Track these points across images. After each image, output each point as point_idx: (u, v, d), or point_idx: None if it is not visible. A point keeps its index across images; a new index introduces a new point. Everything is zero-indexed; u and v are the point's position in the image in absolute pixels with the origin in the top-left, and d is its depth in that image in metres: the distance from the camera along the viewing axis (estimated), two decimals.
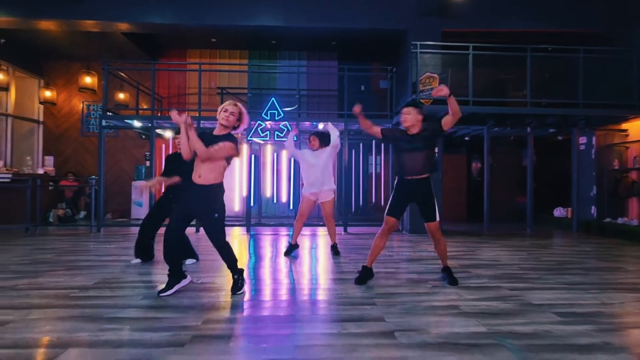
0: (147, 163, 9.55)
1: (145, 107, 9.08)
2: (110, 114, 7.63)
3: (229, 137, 2.87)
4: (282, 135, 6.85)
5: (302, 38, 8.67)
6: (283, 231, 6.94)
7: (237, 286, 2.92)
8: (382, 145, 8.25)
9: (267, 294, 3.03)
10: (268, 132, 6.92)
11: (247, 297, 2.90)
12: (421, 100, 5.97)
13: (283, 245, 5.28)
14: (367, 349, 1.96)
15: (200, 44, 9.42)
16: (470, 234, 6.64)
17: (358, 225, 7.56)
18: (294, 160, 8.86)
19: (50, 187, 8.42)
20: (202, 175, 2.83)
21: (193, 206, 2.89)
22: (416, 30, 6.79)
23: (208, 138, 2.82)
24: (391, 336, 2.13)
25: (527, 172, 7.20)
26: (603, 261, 4.36)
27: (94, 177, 7.64)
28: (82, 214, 8.88)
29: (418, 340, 2.07)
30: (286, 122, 6.84)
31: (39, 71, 9.37)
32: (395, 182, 3.38)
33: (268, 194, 8.63)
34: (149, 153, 9.60)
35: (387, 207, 3.32)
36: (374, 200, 9.32)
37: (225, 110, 2.87)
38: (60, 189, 8.86)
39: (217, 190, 2.86)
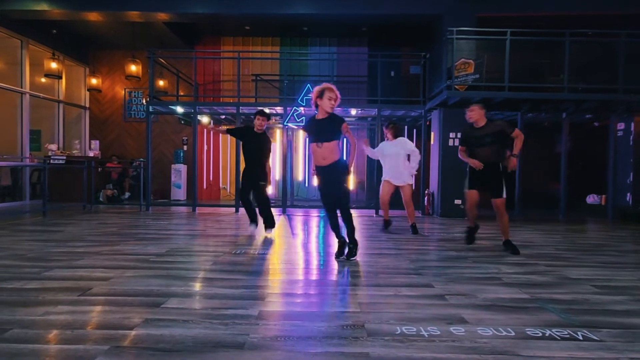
0: (185, 147, 10.06)
1: (182, 94, 9.51)
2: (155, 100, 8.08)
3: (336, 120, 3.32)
4: None
5: (334, 24, 8.79)
6: (314, 212, 7.26)
7: (352, 252, 3.38)
8: (415, 131, 8.37)
9: (322, 264, 3.35)
10: (304, 118, 7.19)
11: (307, 265, 3.23)
12: (456, 87, 6.05)
13: (314, 224, 5.60)
14: (424, 307, 2.25)
15: (234, 32, 9.70)
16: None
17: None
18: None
19: (100, 170, 9.05)
20: (327, 157, 3.30)
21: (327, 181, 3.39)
22: (451, 15, 6.81)
23: (316, 124, 3.32)
24: (442, 298, 2.41)
25: (558, 159, 7.19)
26: None
27: (142, 159, 8.16)
28: (127, 194, 9.51)
29: (467, 302, 2.34)
30: None
31: (85, 60, 9.94)
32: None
33: (300, 177, 8.97)
34: (186, 138, 10.13)
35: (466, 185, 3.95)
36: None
37: (331, 99, 3.23)
38: (107, 171, 9.50)
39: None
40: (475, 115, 3.81)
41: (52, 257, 3.32)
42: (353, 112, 7.83)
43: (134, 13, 7.71)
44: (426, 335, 1.86)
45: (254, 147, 4.53)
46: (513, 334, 1.89)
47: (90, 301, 2.23)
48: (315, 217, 6.64)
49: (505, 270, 3.14)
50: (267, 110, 6.17)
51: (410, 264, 3.32)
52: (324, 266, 3.25)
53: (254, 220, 4.74)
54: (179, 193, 9.54)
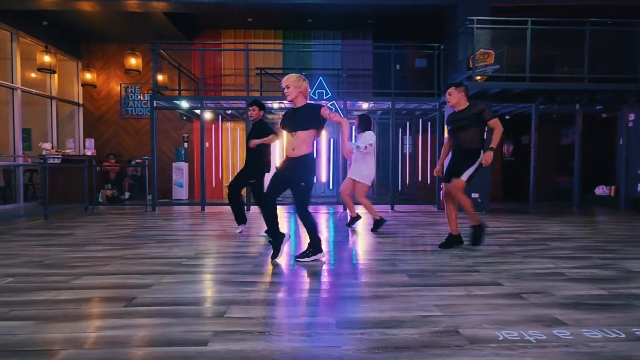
0: (186, 145, 9.71)
1: (183, 88, 9.15)
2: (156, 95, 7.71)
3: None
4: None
5: (339, 16, 8.56)
6: (323, 209, 7.06)
7: (305, 253, 3.12)
8: (429, 124, 8.23)
9: (365, 264, 3.16)
10: None
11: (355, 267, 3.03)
12: (476, 78, 5.92)
13: (328, 222, 5.40)
14: (507, 308, 2.07)
15: (235, 24, 9.37)
16: (518, 212, 6.69)
17: (402, 203, 7.65)
18: (334, 141, 8.93)
19: (98, 169, 8.63)
20: (297, 148, 3.05)
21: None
22: (466, 4, 6.68)
23: (292, 113, 3.16)
24: (520, 297, 2.24)
25: (565, 151, 7.17)
26: None
27: (145, 157, 7.79)
28: (127, 194, 9.12)
29: (549, 301, 2.18)
30: (334, 102, 6.86)
31: (78, 54, 9.46)
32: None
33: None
34: (187, 135, 9.78)
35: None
36: (407, 181, 9.39)
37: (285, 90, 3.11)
38: (105, 171, 9.08)
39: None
40: (454, 99, 3.56)
41: (74, 263, 3.03)
42: (365, 105, 7.63)
43: (132, 2, 7.32)
44: (533, 341, 1.68)
45: (248, 138, 4.34)
46: (623, 335, 1.74)
47: (142, 312, 1.98)
48: (324, 214, 6.44)
49: (563, 265, 3.01)
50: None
51: (460, 260, 3.16)
52: (371, 265, 3.06)
53: (242, 221, 4.47)
54: (181, 192, 9.20)
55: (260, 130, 4.24)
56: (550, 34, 6.39)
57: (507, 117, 8.49)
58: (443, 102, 7.09)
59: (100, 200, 8.18)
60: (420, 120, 8.28)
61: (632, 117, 7.40)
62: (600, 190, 8.26)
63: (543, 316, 1.96)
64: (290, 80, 3.06)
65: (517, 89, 6.01)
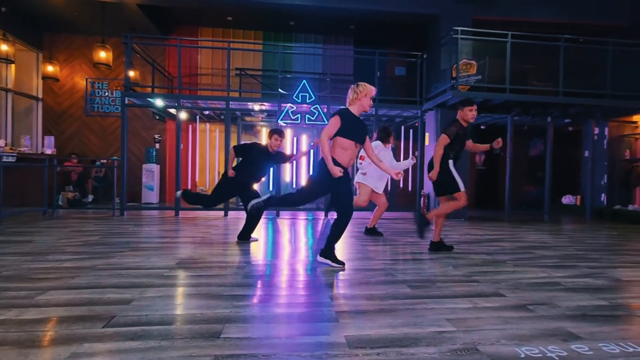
0: (157, 145, 9.21)
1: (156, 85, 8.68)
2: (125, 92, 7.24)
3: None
4: (313, 118, 6.75)
5: (321, 20, 8.49)
6: (302, 216, 6.89)
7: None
8: (411, 131, 8.29)
9: (360, 274, 3.03)
10: (299, 115, 6.80)
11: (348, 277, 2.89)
12: (460, 87, 6.02)
13: (301, 229, 5.27)
14: (518, 321, 2.01)
15: (214, 22, 9.06)
16: (495, 220, 6.85)
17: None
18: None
19: (58, 170, 7.96)
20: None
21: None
22: (449, 15, 6.82)
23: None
24: (527, 309, 2.19)
25: (533, 162, 7.47)
26: None
27: (114, 157, 7.26)
28: (90, 197, 8.48)
29: (556, 313, 2.14)
30: (317, 106, 6.74)
31: (39, 44, 8.75)
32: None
33: (287, 178, 8.53)
34: (159, 135, 9.29)
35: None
36: (388, 188, 9.41)
37: (372, 99, 3.03)
38: (66, 171, 8.41)
39: None
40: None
41: (36, 274, 2.67)
42: None
43: None
44: (556, 358, 1.61)
45: (264, 165, 4.15)
46: None
47: (124, 334, 1.73)
48: (303, 220, 6.28)
49: (555, 274, 3.02)
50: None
51: (455, 270, 3.11)
52: (368, 275, 2.93)
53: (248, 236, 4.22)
54: (152, 195, 8.69)
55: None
56: (526, 48, 6.65)
57: (482, 127, 8.75)
58: (425, 110, 7.18)
59: (60, 203, 7.53)
60: (403, 127, 8.33)
61: (597, 130, 7.83)
62: (567, 199, 8.68)
63: (557, 330, 1.90)
64: None
65: (497, 100, 6.17)
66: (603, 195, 7.79)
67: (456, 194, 3.66)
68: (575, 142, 8.93)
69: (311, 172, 3.13)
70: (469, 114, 3.62)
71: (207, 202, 4.35)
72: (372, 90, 3.01)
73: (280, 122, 6.95)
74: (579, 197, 8.39)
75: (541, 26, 7.08)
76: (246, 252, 3.66)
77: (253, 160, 4.05)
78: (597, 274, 3.03)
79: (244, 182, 4.06)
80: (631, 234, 5.46)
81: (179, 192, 4.26)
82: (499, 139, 3.70)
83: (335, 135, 2.96)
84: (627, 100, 6.59)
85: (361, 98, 3.00)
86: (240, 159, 4.16)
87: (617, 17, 7.28)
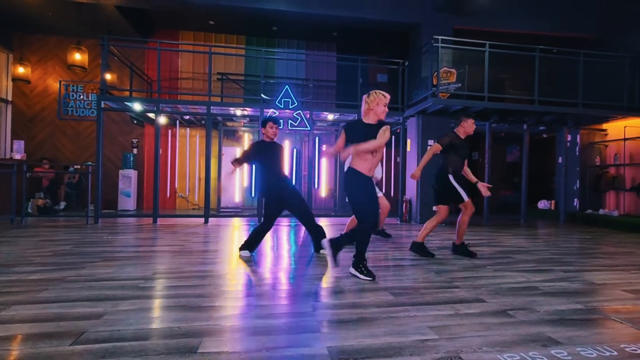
0: (135, 151, 8.96)
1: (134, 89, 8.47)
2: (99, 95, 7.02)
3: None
4: (295, 124, 6.72)
5: (304, 26, 8.51)
6: (284, 222, 6.82)
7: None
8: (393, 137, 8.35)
9: (337, 279, 3.00)
10: (281, 121, 6.75)
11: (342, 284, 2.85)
12: (440, 94, 6.13)
13: (283, 236, 5.22)
14: (498, 327, 2.02)
15: (196, 26, 8.94)
16: (474, 224, 6.97)
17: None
18: (296, 151, 8.76)
19: (28, 175, 7.60)
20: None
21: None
22: (430, 24, 6.96)
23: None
24: (507, 315, 2.21)
25: (509, 168, 7.69)
26: (614, 247, 4.80)
27: (89, 163, 7.00)
28: (62, 204, 8.14)
29: (535, 318, 2.17)
30: (300, 112, 6.72)
31: (9, 44, 8.40)
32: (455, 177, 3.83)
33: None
34: (137, 140, 9.04)
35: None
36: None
37: (386, 105, 2.98)
38: (37, 177, 8.05)
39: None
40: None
41: (1, 289, 2.51)
42: (330, 116, 7.59)
43: None
44: None
45: (276, 156, 3.85)
46: (616, 353, 1.75)
47: (95, 352, 1.63)
48: (285, 226, 6.22)
49: (533, 278, 3.09)
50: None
51: (437, 276, 3.12)
52: (350, 282, 2.90)
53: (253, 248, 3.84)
54: (128, 202, 8.43)
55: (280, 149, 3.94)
56: (503, 57, 6.86)
57: None
58: (407, 117, 7.28)
59: (29, 210, 7.19)
60: None
61: (569, 138, 8.14)
62: (542, 204, 8.95)
63: (537, 335, 1.93)
64: None
65: (476, 108, 6.32)
66: (576, 200, 8.07)
67: (461, 204, 3.85)
68: (549, 149, 9.24)
69: (347, 192, 3.03)
70: (473, 127, 3.84)
71: (265, 230, 3.81)
72: (383, 97, 2.95)
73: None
74: (553, 202, 8.67)
75: (518, 37, 7.33)
76: (226, 261, 3.57)
77: (266, 157, 3.77)
78: (573, 278, 3.11)
79: (278, 186, 3.76)
80: (602, 237, 5.66)
81: (242, 252, 3.76)
82: (488, 192, 3.92)
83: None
84: (597, 109, 6.89)
85: (374, 107, 2.94)
86: (255, 165, 3.89)
87: (584, 29, 7.63)
